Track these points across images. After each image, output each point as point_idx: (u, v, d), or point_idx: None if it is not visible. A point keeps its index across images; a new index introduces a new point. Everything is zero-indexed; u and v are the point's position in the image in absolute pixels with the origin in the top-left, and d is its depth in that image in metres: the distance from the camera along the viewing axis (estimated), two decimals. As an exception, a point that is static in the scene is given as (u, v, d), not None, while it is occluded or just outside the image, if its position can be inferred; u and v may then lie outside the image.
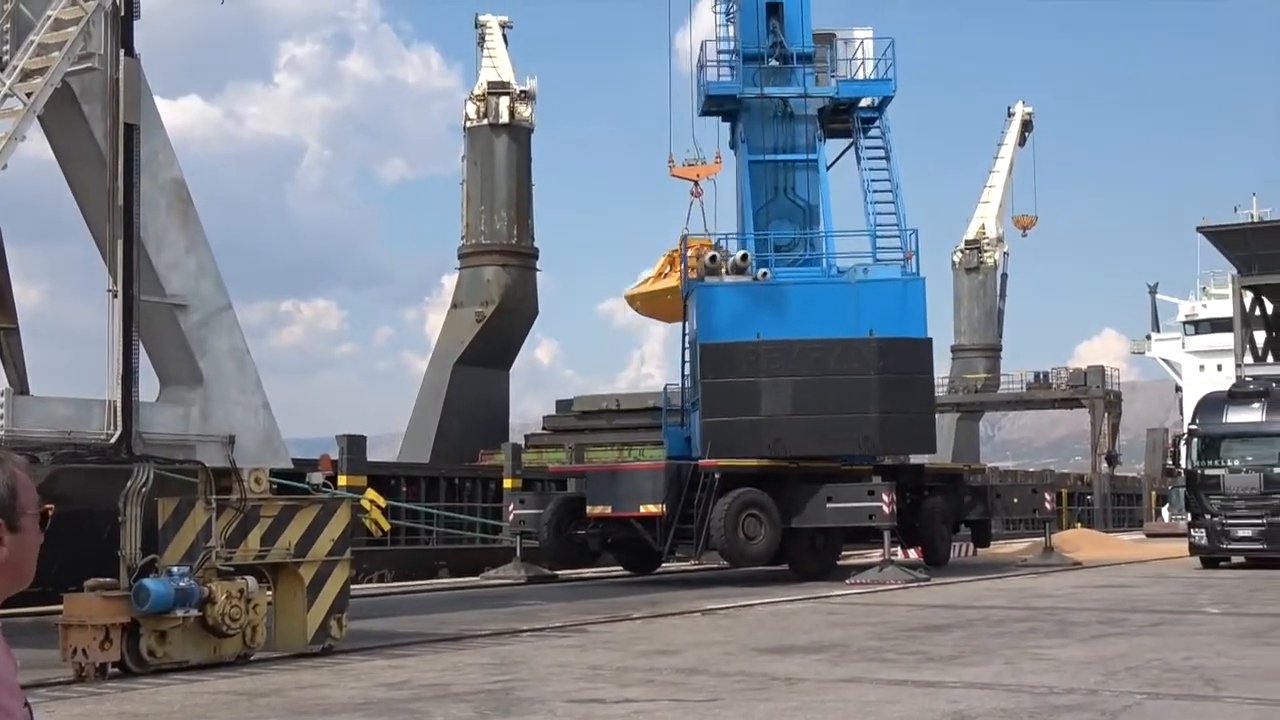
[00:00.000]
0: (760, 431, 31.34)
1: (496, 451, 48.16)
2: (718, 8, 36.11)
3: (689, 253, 34.78)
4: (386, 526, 35.39)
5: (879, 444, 30.73)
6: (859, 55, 36.04)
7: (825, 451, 30.67)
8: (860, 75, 35.54)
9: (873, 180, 34.33)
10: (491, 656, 16.48)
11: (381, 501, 34.72)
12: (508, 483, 38.45)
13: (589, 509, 30.71)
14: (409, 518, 39.64)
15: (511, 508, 33.40)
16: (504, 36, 68.55)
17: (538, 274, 69.16)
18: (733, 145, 36.11)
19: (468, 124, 67.66)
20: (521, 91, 67.32)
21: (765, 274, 32.51)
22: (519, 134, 67.38)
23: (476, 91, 67.56)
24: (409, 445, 65.98)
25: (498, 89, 66.84)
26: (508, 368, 69.90)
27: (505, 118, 66.64)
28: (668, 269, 40.48)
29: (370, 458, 37.63)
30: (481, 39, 68.44)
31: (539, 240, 68.76)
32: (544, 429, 59.99)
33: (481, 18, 68.75)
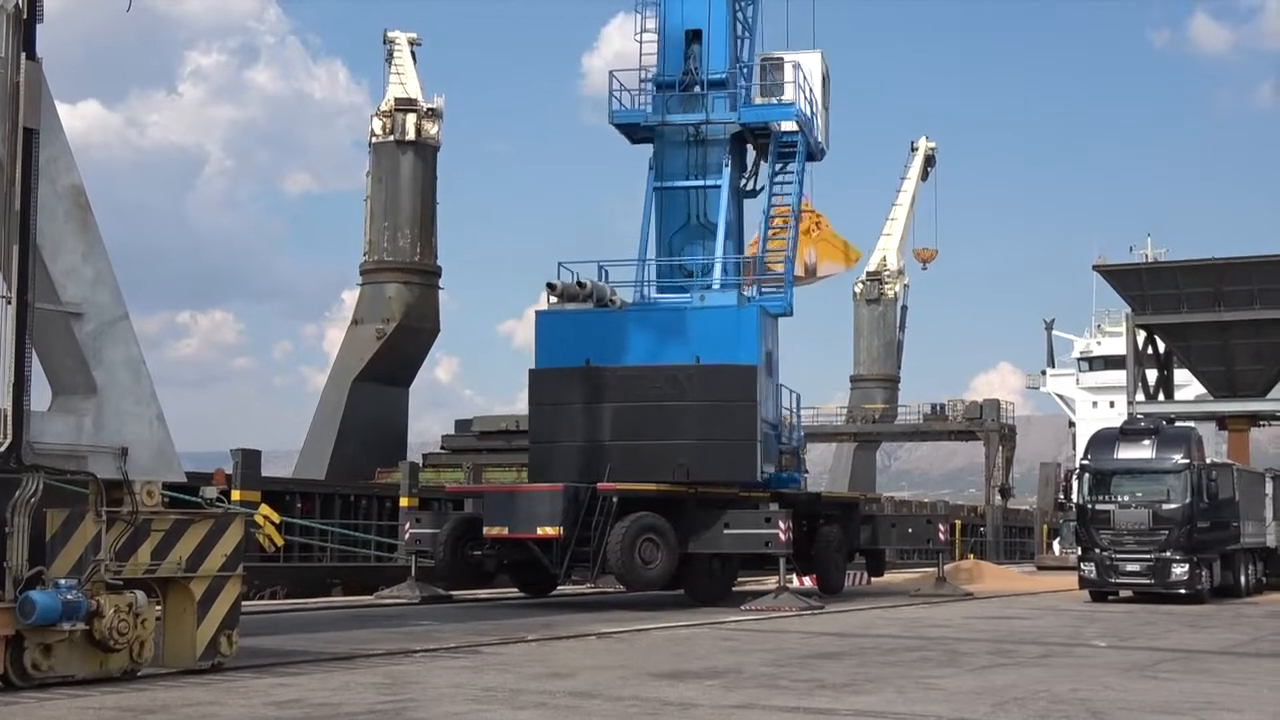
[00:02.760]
0: (581, 458, 31.41)
1: (394, 470, 47.92)
2: (639, 36, 36.30)
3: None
4: (280, 543, 35.03)
5: (694, 471, 30.38)
6: (786, 80, 36.39)
7: (644, 478, 30.23)
8: (776, 100, 35.81)
9: (772, 207, 34.67)
10: (384, 676, 16.33)
11: (276, 517, 34.37)
12: (404, 501, 38.20)
13: (486, 530, 30.56)
14: (303, 534, 39.27)
15: (407, 527, 33.15)
16: (413, 54, 68.41)
17: (440, 292, 68.92)
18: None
19: (373, 140, 67.40)
20: (429, 109, 67.18)
21: (620, 301, 32.84)
22: (425, 151, 67.20)
23: (383, 107, 67.34)
24: (305, 461, 65.41)
25: (405, 106, 66.67)
26: (407, 386, 69.57)
27: (411, 135, 66.48)
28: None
29: (266, 473, 37.26)
30: (390, 55, 68.24)
31: (442, 258, 68.58)
32: (442, 448, 59.69)
33: (390, 34, 68.56)
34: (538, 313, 33.21)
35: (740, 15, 36.57)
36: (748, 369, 31.13)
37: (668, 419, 30.93)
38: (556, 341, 32.60)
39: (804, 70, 36.35)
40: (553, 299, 32.92)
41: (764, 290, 34.24)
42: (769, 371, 32.92)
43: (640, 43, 35.97)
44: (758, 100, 35.75)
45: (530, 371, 32.92)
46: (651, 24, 35.76)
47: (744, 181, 36.46)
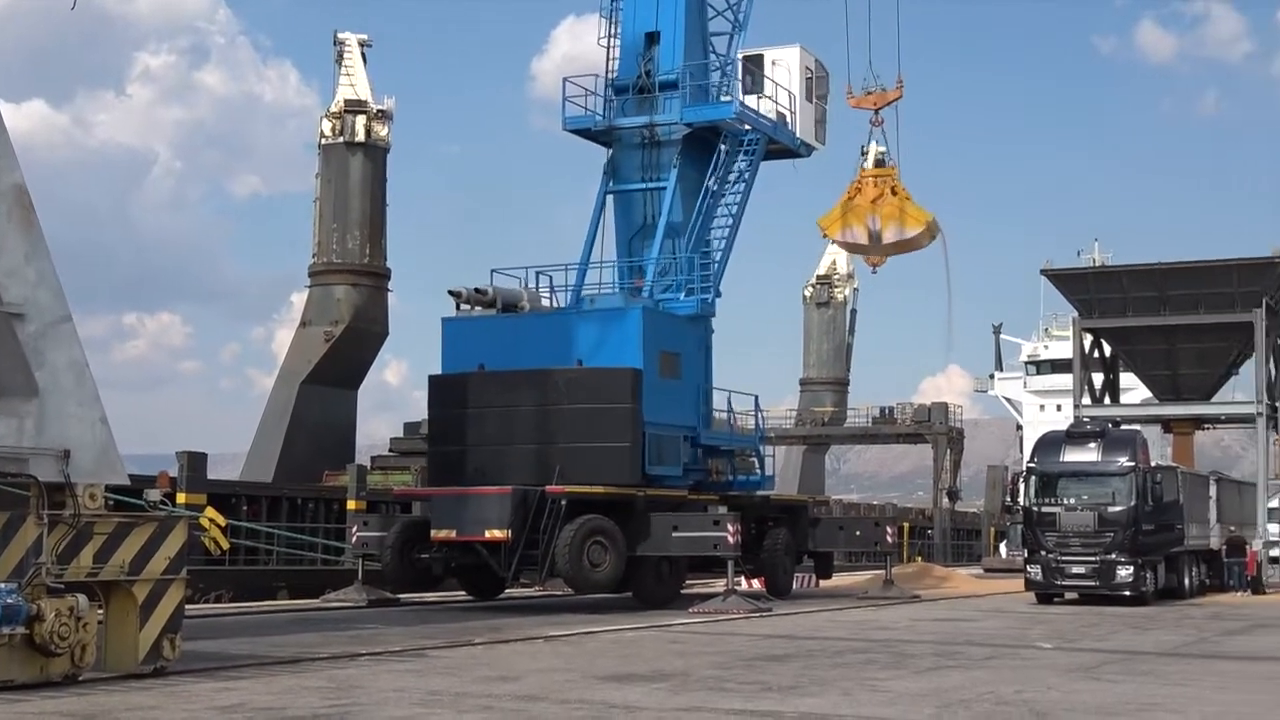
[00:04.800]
0: (467, 461, 31.44)
1: (341, 472, 47.70)
2: (601, 40, 36.34)
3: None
4: (226, 546, 34.81)
5: (569, 474, 30.17)
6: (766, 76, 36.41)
7: (524, 481, 30.07)
8: (726, 96, 35.83)
9: (709, 208, 34.50)
10: (328, 680, 16.24)
11: (221, 520, 34.14)
12: (352, 504, 38.03)
13: (434, 533, 30.45)
14: (249, 537, 39.08)
15: (355, 530, 32.99)
16: (363, 55, 68.07)
17: (389, 294, 68.66)
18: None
19: (323, 141, 67.07)
20: (379, 111, 66.91)
21: (528, 306, 32.84)
22: (375, 153, 66.93)
23: (333, 109, 67.02)
24: (252, 464, 64.98)
25: (354, 107, 66.38)
26: (356, 388, 69.26)
27: (361, 136, 66.19)
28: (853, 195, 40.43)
29: (212, 476, 37.00)
30: (340, 57, 67.90)
31: (392, 261, 68.31)
32: (391, 451, 59.48)
33: (340, 35, 68.22)
34: (443, 319, 33.38)
35: (731, 13, 36.59)
36: (626, 371, 30.91)
37: (550, 422, 30.91)
38: (459, 347, 32.78)
39: (783, 66, 36.41)
40: (463, 306, 32.98)
41: (700, 290, 33.94)
42: (673, 373, 32.55)
43: (606, 47, 36.12)
44: (726, 99, 35.57)
45: (430, 377, 33.20)
46: (611, 26, 35.86)
47: (711, 181, 36.15)
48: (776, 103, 36.60)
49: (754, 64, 36.99)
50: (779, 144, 36.68)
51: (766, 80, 36.77)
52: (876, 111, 39.67)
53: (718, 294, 35.01)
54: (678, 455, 32.42)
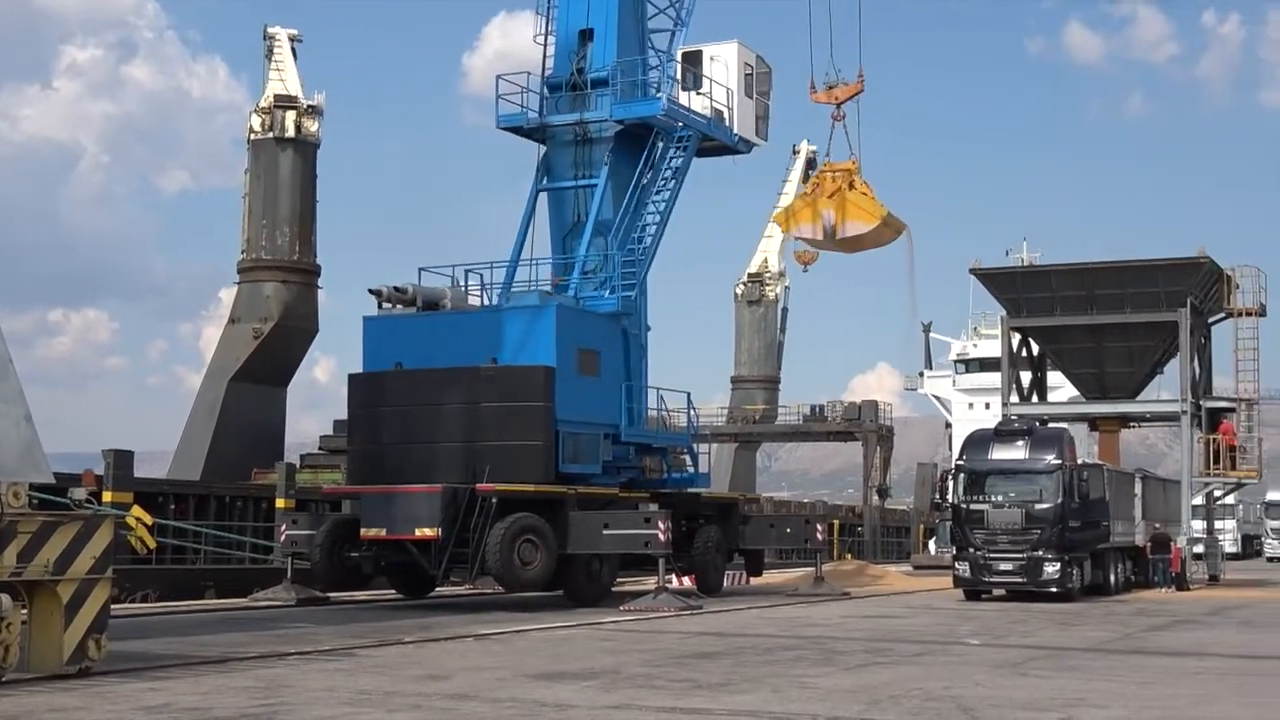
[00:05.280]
0: (382, 460, 31.40)
1: (270, 471, 47.35)
2: (538, 38, 36.26)
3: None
4: (152, 545, 34.36)
5: (481, 472, 29.98)
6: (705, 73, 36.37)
7: (438, 479, 29.93)
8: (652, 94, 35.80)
9: (637, 205, 34.41)
10: (256, 680, 16.12)
11: (148, 519, 33.68)
12: (280, 503, 37.82)
13: (363, 531, 30.30)
14: (177, 536, 38.75)
15: (283, 528, 32.78)
16: (293, 50, 67.64)
17: (319, 291, 68.25)
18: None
19: (252, 137, 66.64)
20: (309, 106, 66.52)
21: (446, 304, 32.79)
22: (304, 149, 66.55)
23: (262, 104, 66.57)
24: (180, 462, 64.48)
25: (284, 102, 65.97)
26: (285, 385, 68.85)
27: (291, 132, 65.83)
28: (812, 190, 40.25)
29: (139, 474, 36.66)
30: (270, 51, 67.44)
31: (322, 257, 67.91)
32: (320, 449, 59.11)
33: (270, 29, 67.76)
34: (364, 318, 33.28)
35: (673, 10, 36.60)
36: (538, 369, 30.87)
37: (463, 420, 30.84)
38: (379, 346, 32.70)
39: (721, 62, 36.41)
40: (385, 305, 32.85)
41: (621, 287, 33.90)
42: (591, 370, 32.45)
43: (543, 44, 36.07)
44: (659, 96, 35.53)
45: (349, 376, 33.12)
46: (547, 24, 35.83)
47: (642, 178, 36.04)
48: (712, 99, 36.58)
49: (692, 61, 36.97)
50: (716, 141, 36.69)
51: (704, 77, 36.75)
52: (838, 106, 39.72)
53: (642, 291, 34.91)
54: (596, 453, 32.30)
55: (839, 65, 39.84)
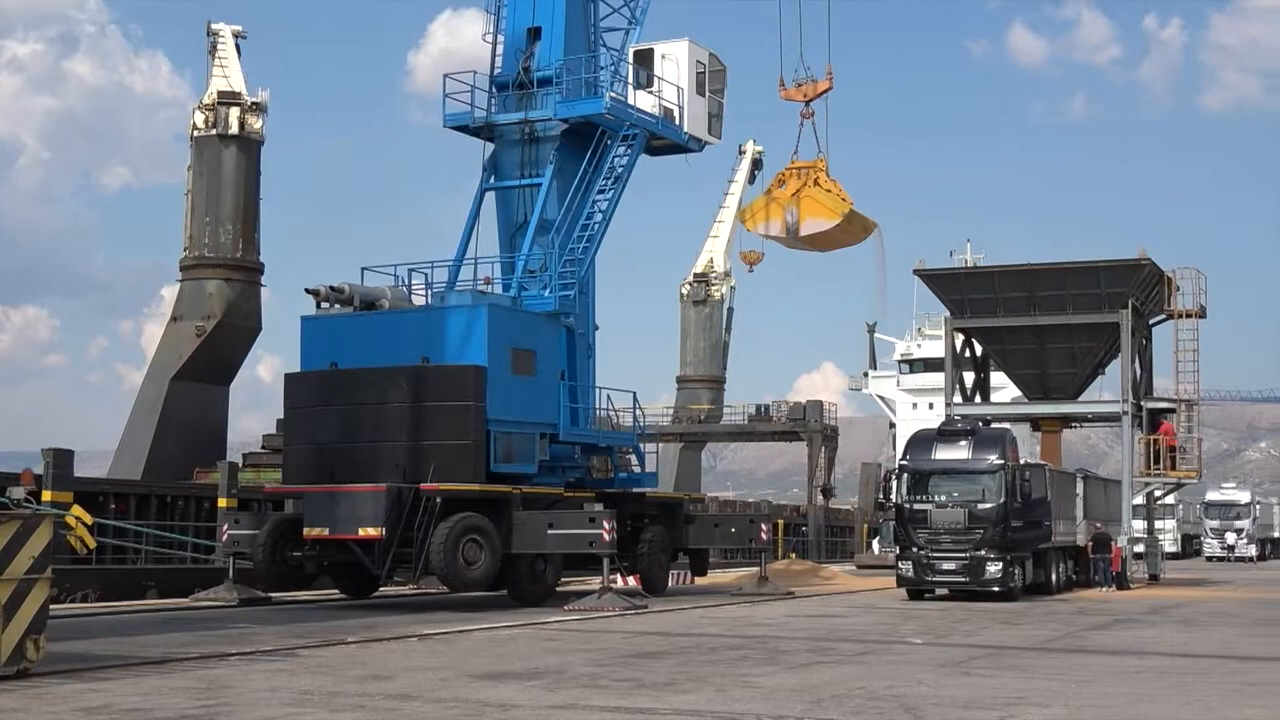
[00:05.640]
0: (316, 459, 31.34)
1: (212, 470, 46.99)
2: (487, 36, 36.17)
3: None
4: (92, 544, 33.89)
5: (412, 472, 29.97)
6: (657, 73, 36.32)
7: (368, 479, 29.86)
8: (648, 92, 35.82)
9: (579, 204, 34.27)
10: (198, 681, 16.00)
11: (88, 518, 33.19)
12: (222, 502, 37.41)
13: (306, 531, 30.15)
14: (117, 536, 38.37)
15: (225, 528, 32.56)
16: (237, 47, 67.21)
17: (262, 289, 67.82)
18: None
19: (195, 133, 66.15)
20: (253, 103, 66.10)
21: (384, 304, 32.70)
22: (248, 146, 66.13)
23: (205, 101, 66.12)
24: (121, 461, 63.90)
25: (228, 99, 65.54)
26: (228, 384, 68.37)
27: (235, 129, 65.39)
28: (779, 187, 40.01)
29: (79, 473, 36.21)
30: (213, 48, 66.97)
31: (265, 255, 67.50)
32: (263, 448, 58.64)
33: (214, 25, 67.30)
34: (302, 318, 33.17)
35: (628, 9, 36.62)
36: (468, 369, 30.77)
37: (395, 420, 30.75)
38: (317, 345, 32.61)
39: (672, 60, 36.36)
40: (323, 304, 32.73)
41: (560, 286, 33.83)
42: (526, 370, 32.29)
43: (492, 43, 36.02)
44: (613, 95, 35.44)
45: (285, 375, 33.07)
46: (497, 22, 35.79)
47: (586, 176, 35.88)
48: (661, 98, 36.48)
49: (644, 59, 36.91)
50: (666, 139, 36.66)
51: (655, 76, 36.68)
52: (807, 104, 39.74)
53: (588, 290, 34.85)
54: (532, 452, 32.17)
55: (809, 63, 39.96)
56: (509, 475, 31.32)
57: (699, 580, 40.48)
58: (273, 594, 32.18)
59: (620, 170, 34.98)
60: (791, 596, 36.17)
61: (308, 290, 32.79)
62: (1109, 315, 44.71)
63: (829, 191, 39.36)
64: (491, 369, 30.92)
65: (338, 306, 32.70)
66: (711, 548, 41.33)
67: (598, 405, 35.96)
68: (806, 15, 39.65)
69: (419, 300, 34.13)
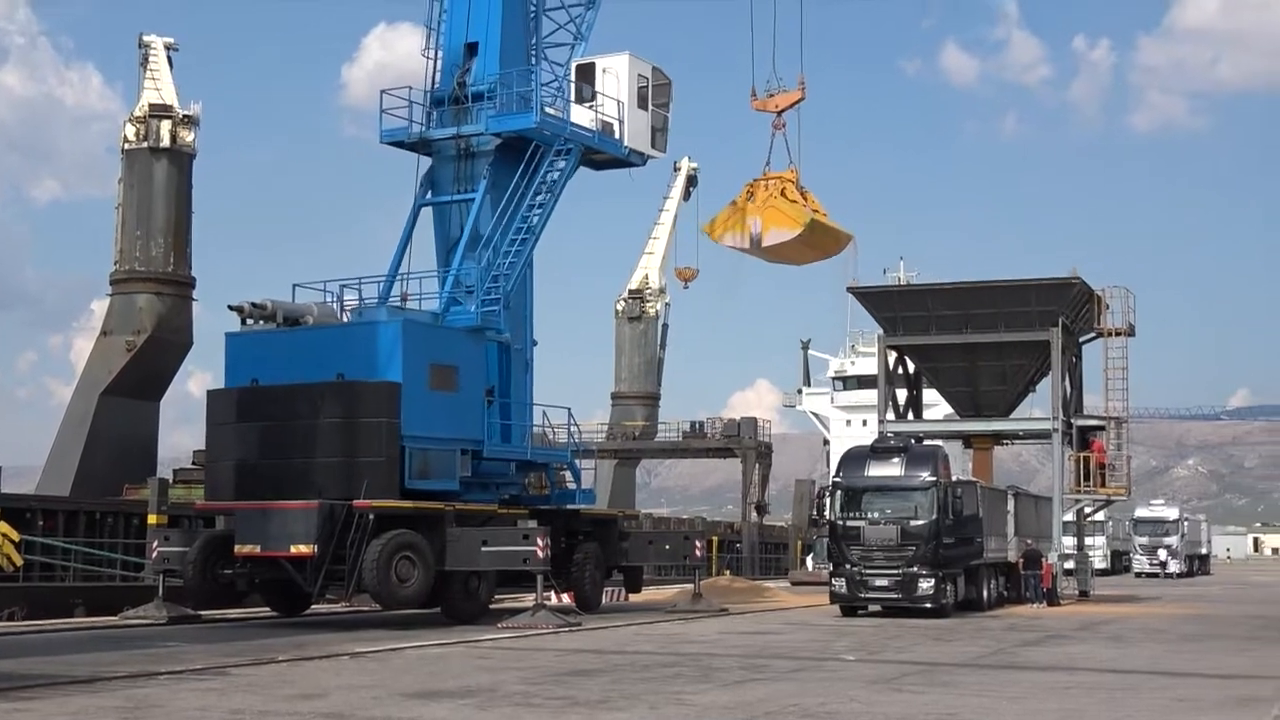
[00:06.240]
0: (236, 476, 31.24)
1: (142, 486, 46.61)
2: (426, 52, 36.05)
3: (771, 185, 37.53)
4: (19, 561, 33.74)
5: (331, 489, 29.77)
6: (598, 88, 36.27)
7: (286, 495, 29.73)
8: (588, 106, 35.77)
9: (510, 219, 34.12)
10: (125, 700, 15.82)
11: (15, 535, 33.09)
12: (152, 519, 37.15)
13: (237, 548, 29.90)
14: (45, 553, 38.00)
15: (155, 545, 32.25)
16: (169, 59, 66.76)
17: (194, 303, 67.27)
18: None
19: (126, 146, 65.61)
20: (184, 116, 65.64)
21: (309, 320, 32.56)
22: (180, 159, 65.68)
23: (137, 113, 65.60)
24: (48, 477, 63.20)
25: (159, 112, 65.06)
26: (158, 399, 67.79)
27: (166, 141, 64.92)
28: (748, 199, 39.71)
29: (5, 489, 35.91)
30: (145, 60, 66.50)
31: (197, 269, 66.98)
32: (194, 464, 58.10)
33: (146, 38, 66.83)
34: (226, 334, 32.98)
35: (573, 25, 36.63)
36: (381, 385, 30.61)
37: (311, 436, 30.61)
38: (240, 362, 32.42)
39: (613, 74, 36.27)
40: (248, 321, 32.55)
41: (485, 302, 33.68)
42: (446, 386, 32.04)
43: (432, 58, 35.95)
44: (553, 111, 35.39)
45: (207, 392, 32.96)
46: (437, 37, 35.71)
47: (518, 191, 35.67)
48: (599, 112, 36.31)
49: (585, 73, 36.82)
50: (605, 153, 36.58)
51: (595, 90, 36.56)
52: (779, 114, 39.70)
53: (525, 305, 34.64)
54: (452, 469, 31.94)
55: (780, 74, 39.93)
56: (429, 492, 31.13)
57: (633, 597, 40.44)
58: (203, 612, 31.89)
59: (551, 184, 34.77)
60: (725, 613, 36.18)
61: (231, 307, 32.63)
62: (1040, 333, 45.11)
63: (793, 202, 39.28)
64: (407, 385, 30.73)
65: (262, 323, 32.50)
66: (645, 564, 41.27)
67: (537, 421, 35.88)
68: (785, 20, 39.50)
69: (348, 317, 33.93)
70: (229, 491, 31.17)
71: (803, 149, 40.10)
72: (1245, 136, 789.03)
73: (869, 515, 35.31)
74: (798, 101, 39.85)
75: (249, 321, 32.52)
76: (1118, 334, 47.07)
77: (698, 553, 38.09)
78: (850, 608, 35.51)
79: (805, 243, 40.06)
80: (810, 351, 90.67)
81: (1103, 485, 46.45)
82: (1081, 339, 48.63)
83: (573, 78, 36.50)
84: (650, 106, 37.38)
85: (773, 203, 39.10)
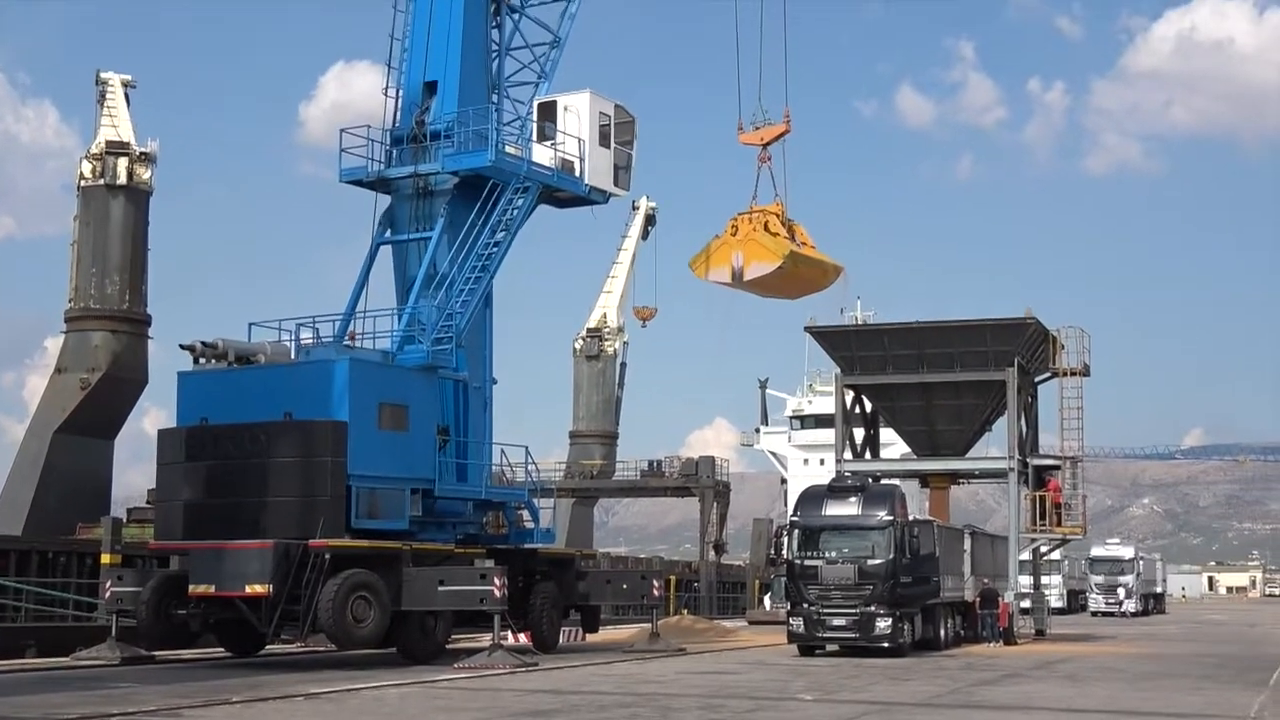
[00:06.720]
0: (189, 516, 31.11)
1: (96, 525, 46.19)
2: (386, 90, 36.10)
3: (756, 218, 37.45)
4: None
5: (273, 528, 29.63)
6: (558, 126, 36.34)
7: (234, 535, 29.62)
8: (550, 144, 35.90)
9: (465, 257, 34.09)
10: (76, 743, 15.64)
11: (-34, 575, 32.77)
12: (106, 558, 36.77)
13: (191, 588, 29.69)
14: (-4, 593, 37.54)
15: (109, 585, 31.97)
16: (126, 96, 66.48)
17: (150, 342, 66.85)
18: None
19: (82, 183, 65.23)
20: (141, 153, 65.35)
21: (260, 359, 32.44)
22: (136, 196, 65.31)
23: (93, 150, 65.26)
24: (1, 516, 62.45)
25: (116, 149, 64.72)
26: (112, 438, 67.20)
27: (123, 179, 64.54)
28: (732, 233, 39.55)
29: (-44, 529, 35.48)
30: (102, 97, 66.20)
31: (153, 307, 66.57)
32: (148, 503, 57.73)
33: (103, 75, 66.53)
34: (179, 373, 32.87)
35: (538, 64, 36.81)
36: (328, 424, 30.47)
37: (258, 475, 30.44)
38: (192, 401, 32.28)
39: (574, 112, 36.35)
40: (200, 360, 32.42)
41: (437, 340, 33.40)
42: (396, 425, 31.91)
43: (395, 97, 36.08)
44: (512, 150, 35.42)
45: (159, 432, 32.82)
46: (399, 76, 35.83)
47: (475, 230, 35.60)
48: (558, 150, 36.35)
49: (547, 111, 36.92)
50: (566, 191, 36.63)
51: (557, 129, 36.62)
52: (764, 147, 39.76)
53: (460, 344, 34.37)
54: (401, 508, 31.73)
55: (766, 108, 40.01)
56: (379, 531, 30.98)
57: (591, 637, 40.30)
58: (156, 652, 31.60)
59: (508, 223, 34.70)
60: (683, 653, 36.10)
61: (183, 346, 32.51)
62: (995, 373, 45.33)
63: (775, 235, 39.30)
64: (355, 424, 30.61)
65: (214, 362, 32.36)
66: (603, 604, 41.14)
67: (492, 460, 35.77)
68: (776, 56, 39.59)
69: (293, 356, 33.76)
70: (178, 531, 31.04)
71: (768, 184, 40.06)
72: (1198, 179, 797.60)
73: (826, 554, 35.34)
74: (783, 134, 40.01)
75: (201, 360, 32.37)
76: (1073, 374, 47.37)
77: (655, 592, 38.04)
78: (808, 647, 35.49)
79: (789, 275, 40.10)
80: (768, 390, 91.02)
81: (1059, 524, 46.64)
82: (1037, 379, 48.92)
83: (535, 116, 36.62)
84: (613, 144, 37.46)
85: (754, 236, 39.17)
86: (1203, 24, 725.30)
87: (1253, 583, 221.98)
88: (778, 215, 39.56)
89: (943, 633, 39.11)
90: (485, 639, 31.46)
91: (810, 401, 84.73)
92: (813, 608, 35.11)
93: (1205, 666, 32.93)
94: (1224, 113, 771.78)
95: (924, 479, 51.38)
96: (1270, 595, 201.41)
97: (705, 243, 41.15)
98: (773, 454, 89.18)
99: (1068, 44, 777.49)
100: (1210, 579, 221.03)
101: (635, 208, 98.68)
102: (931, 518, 43.60)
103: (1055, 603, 75.74)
